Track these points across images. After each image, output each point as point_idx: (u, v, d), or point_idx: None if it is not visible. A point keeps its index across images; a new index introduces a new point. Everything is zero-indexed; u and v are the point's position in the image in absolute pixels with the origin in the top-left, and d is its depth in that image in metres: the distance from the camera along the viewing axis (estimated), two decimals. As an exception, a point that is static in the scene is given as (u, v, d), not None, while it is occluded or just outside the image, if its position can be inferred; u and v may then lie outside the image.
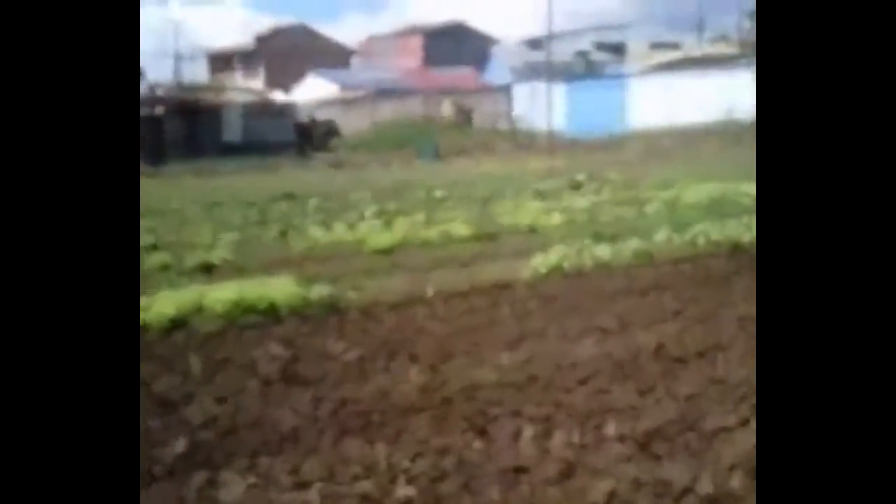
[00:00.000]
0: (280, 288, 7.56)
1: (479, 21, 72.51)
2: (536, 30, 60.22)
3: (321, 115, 45.28)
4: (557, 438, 4.26)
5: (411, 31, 70.98)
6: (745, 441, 4.18)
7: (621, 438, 4.25)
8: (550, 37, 39.08)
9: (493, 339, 6.15)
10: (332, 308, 7.24)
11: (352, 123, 44.81)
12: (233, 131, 38.44)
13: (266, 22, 73.82)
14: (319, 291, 7.52)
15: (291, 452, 4.24)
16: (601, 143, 35.44)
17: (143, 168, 28.88)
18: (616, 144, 34.34)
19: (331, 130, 42.87)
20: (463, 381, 5.20)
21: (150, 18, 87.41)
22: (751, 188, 13.66)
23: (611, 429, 4.34)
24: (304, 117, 44.46)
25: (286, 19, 73.54)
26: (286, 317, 7.00)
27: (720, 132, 32.31)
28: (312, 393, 5.10)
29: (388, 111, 45.38)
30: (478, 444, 4.24)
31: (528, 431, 4.34)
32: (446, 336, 6.30)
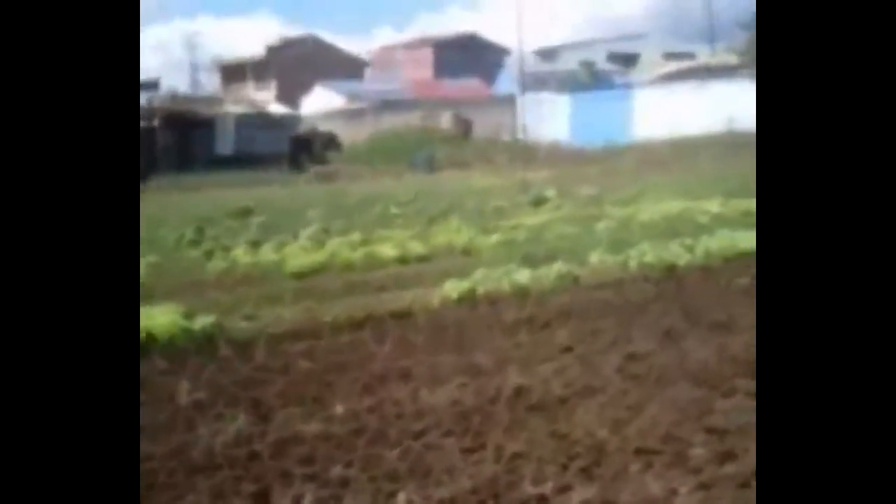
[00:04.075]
0: (161, 318, 7.10)
1: (496, 32, 71.90)
2: (549, 40, 59.89)
3: (324, 127, 44.84)
4: (336, 511, 3.75)
5: (423, 43, 70.60)
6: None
7: (408, 510, 3.74)
8: (522, 47, 38.49)
9: (353, 381, 5.66)
10: (210, 341, 6.77)
11: (353, 135, 44.35)
12: (226, 143, 37.96)
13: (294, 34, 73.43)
14: (202, 322, 7.05)
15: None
16: (601, 154, 34.82)
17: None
18: (615, 155, 33.73)
19: (330, 142, 42.40)
20: (285, 433, 4.71)
21: (173, 31, 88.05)
22: (712, 206, 13.13)
23: (401, 498, 3.82)
24: (305, 129, 44.02)
25: (317, 32, 72.98)
26: (159, 350, 6.53)
27: (720, 143, 31.65)
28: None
29: (390, 123, 44.87)
30: (242, 516, 3.73)
31: (309, 499, 3.83)
32: (306, 376, 5.82)
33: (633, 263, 9.00)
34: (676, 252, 9.31)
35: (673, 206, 13.22)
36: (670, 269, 8.81)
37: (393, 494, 3.86)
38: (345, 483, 4.01)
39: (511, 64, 61.40)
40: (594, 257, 9.29)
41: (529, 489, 3.88)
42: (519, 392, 5.23)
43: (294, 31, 74.49)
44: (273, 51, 70.02)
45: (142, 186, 28.38)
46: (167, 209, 17.98)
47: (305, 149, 39.54)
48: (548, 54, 61.71)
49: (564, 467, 4.10)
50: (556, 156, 35.33)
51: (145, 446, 4.59)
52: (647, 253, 9.24)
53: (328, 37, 73.53)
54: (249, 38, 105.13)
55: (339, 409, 5.05)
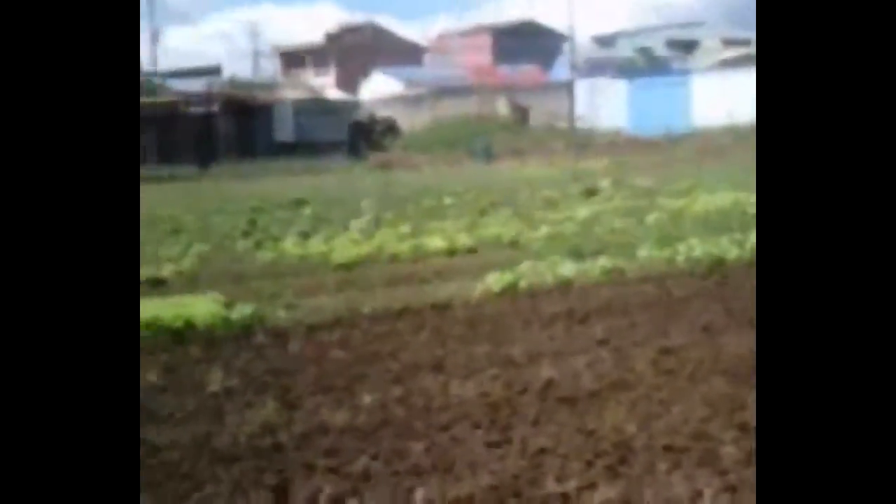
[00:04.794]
0: (201, 306, 7.16)
1: (554, 18, 71.42)
2: (608, 27, 59.30)
3: (382, 113, 44.84)
4: (351, 506, 3.72)
5: (481, 29, 70.33)
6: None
7: (424, 507, 3.69)
8: (574, 32, 37.99)
9: (384, 371, 5.63)
10: (248, 330, 6.79)
11: (412, 121, 44.29)
12: (284, 130, 38.11)
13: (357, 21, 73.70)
14: (241, 311, 7.09)
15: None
16: (659, 142, 34.41)
17: (186, 170, 28.98)
18: (674, 143, 33.32)
19: (389, 128, 42.39)
20: (309, 425, 4.68)
21: (236, 20, 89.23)
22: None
23: (420, 494, 3.77)
24: (363, 115, 44.06)
25: (377, 19, 73.16)
26: (196, 338, 6.58)
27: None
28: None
29: (447, 109, 44.72)
30: (257, 509, 3.71)
31: (326, 494, 3.80)
32: (339, 365, 5.80)
33: (680, 258, 8.84)
34: (726, 247, 9.13)
35: (726, 197, 12.98)
36: (718, 264, 8.64)
37: (411, 490, 3.82)
38: (366, 477, 3.97)
39: (569, 50, 61.05)
40: (642, 252, 9.15)
41: (552, 486, 3.81)
42: (549, 384, 5.16)
43: (354, 19, 74.66)
44: (332, 37, 70.26)
45: (198, 174, 28.69)
46: (222, 198, 18.10)
47: (365, 135, 39.57)
48: (606, 41, 61.15)
49: (589, 464, 4.02)
50: (614, 144, 34.98)
51: (171, 434, 4.63)
52: (695, 248, 9.08)
53: (388, 24, 73.64)
54: (311, 25, 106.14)
55: (366, 398, 5.02)
